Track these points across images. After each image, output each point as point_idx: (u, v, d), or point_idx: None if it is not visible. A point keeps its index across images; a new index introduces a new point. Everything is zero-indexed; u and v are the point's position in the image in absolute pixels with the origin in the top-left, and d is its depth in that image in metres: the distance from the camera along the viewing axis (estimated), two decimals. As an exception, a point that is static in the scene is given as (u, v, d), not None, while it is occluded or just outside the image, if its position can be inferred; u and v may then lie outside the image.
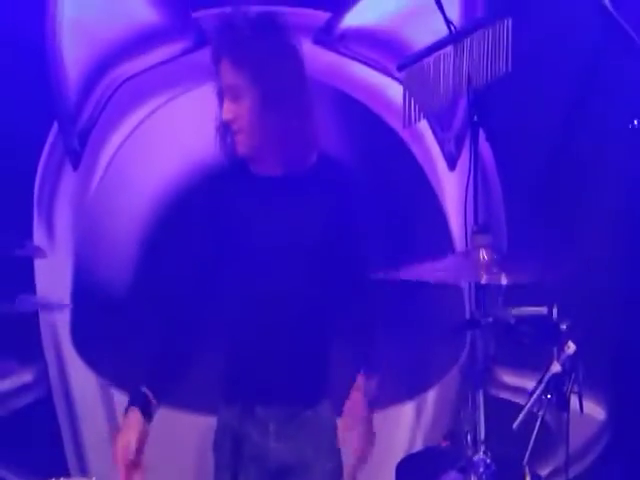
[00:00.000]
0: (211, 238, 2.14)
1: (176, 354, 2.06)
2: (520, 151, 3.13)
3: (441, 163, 3.24)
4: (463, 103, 2.15)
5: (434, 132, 3.22)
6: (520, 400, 2.93)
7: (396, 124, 3.09)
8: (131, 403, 2.02)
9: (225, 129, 2.10)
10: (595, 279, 2.97)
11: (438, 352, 3.05)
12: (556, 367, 1.95)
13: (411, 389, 3.19)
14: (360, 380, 2.05)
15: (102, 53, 3.18)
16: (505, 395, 3.10)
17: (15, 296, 3.10)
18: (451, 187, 3.22)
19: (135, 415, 1.97)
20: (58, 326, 3.22)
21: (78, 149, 3.22)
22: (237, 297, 2.08)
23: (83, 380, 3.21)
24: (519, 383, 3.07)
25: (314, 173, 2.08)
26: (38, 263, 3.17)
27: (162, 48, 3.16)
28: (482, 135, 2.88)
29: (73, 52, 3.18)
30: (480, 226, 1.89)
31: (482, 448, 1.83)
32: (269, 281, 2.04)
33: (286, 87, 2.03)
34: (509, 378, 3.18)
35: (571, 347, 1.97)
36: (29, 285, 3.15)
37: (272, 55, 2.02)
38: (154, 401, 1.99)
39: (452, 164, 3.24)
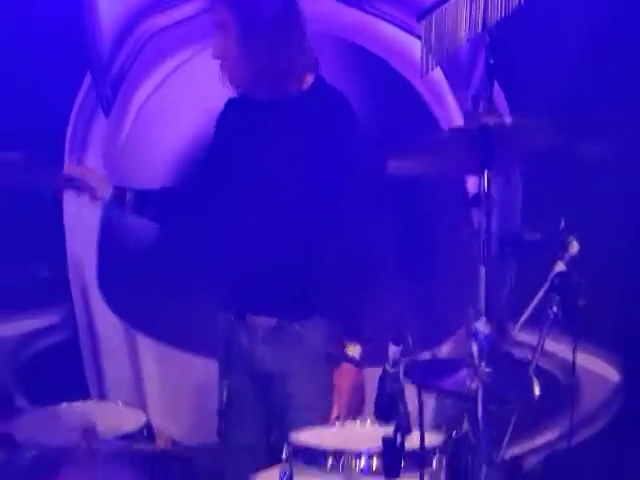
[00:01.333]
0: (220, 164, 2.29)
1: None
2: (535, 102, 3.10)
3: (460, 122, 3.29)
4: (481, 62, 2.22)
5: (453, 91, 3.26)
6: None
7: (418, 83, 3.17)
8: None
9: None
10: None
11: (450, 303, 3.09)
12: (560, 266, 1.97)
13: (423, 343, 3.25)
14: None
15: (133, 7, 3.31)
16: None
17: (43, 239, 3.35)
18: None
19: None
20: (85, 271, 3.38)
21: (110, 97, 3.37)
22: (238, 214, 2.22)
23: (108, 323, 3.35)
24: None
25: (309, 96, 2.18)
26: (67, 210, 3.34)
27: (189, 3, 3.29)
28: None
29: (107, 6, 3.33)
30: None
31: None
32: (266, 198, 2.18)
33: (268, 17, 2.14)
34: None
35: (575, 247, 1.97)
36: (58, 230, 3.34)
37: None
38: None
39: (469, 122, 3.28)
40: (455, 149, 1.90)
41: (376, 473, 1.60)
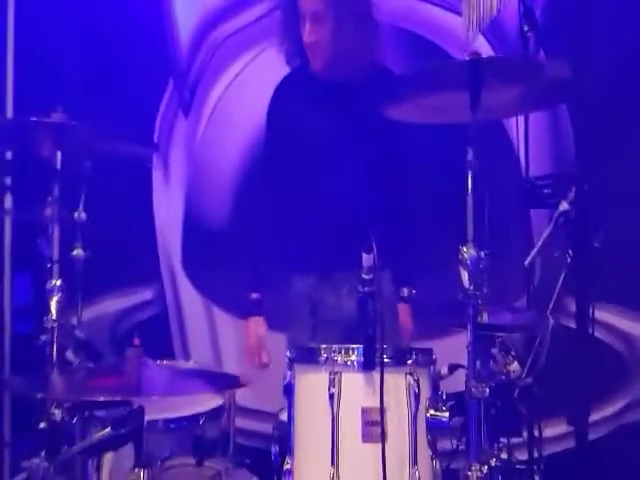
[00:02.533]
0: (291, 133, 2.61)
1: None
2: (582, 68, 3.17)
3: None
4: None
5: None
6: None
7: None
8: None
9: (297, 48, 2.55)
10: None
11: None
12: (564, 205, 2.18)
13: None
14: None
15: (206, 18, 3.77)
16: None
17: (134, 226, 3.80)
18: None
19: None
20: (172, 253, 3.82)
21: (189, 100, 3.81)
22: (311, 181, 2.57)
23: (191, 298, 3.77)
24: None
25: (373, 78, 2.53)
26: (156, 198, 3.79)
27: (253, 9, 3.69)
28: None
29: (184, 19, 3.79)
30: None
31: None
32: (340, 163, 2.50)
33: (356, 11, 2.49)
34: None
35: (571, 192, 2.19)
36: (148, 216, 3.79)
37: None
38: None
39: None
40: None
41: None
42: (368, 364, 1.80)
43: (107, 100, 3.67)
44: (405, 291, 2.63)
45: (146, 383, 1.93)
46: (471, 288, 1.95)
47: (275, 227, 2.73)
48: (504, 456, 2.08)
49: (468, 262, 1.94)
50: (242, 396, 2.46)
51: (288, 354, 1.96)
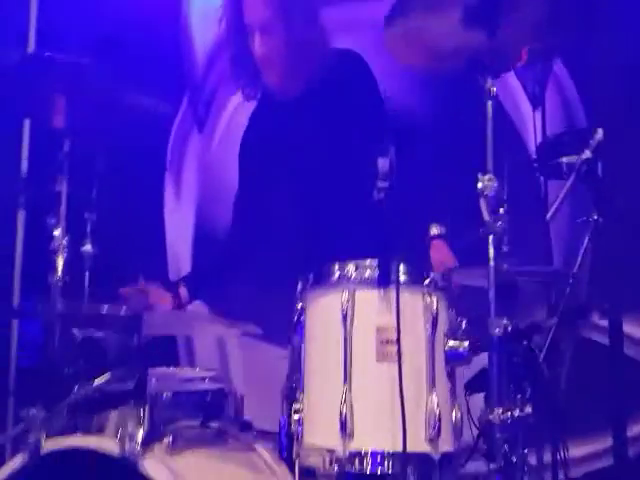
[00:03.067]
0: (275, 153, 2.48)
1: None
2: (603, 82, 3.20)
3: (525, 103, 3.47)
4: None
5: (517, 75, 3.46)
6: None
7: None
8: None
9: (246, 62, 2.43)
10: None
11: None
12: (586, 154, 2.12)
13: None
14: None
15: (222, 34, 3.82)
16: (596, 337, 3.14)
17: (146, 236, 3.76)
18: (535, 125, 3.44)
19: None
20: (181, 267, 3.75)
21: (203, 115, 3.83)
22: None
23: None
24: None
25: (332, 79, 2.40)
26: (168, 212, 3.75)
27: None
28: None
29: (200, 35, 3.86)
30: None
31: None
32: (321, 170, 2.37)
33: (305, 18, 2.39)
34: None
35: (599, 133, 2.12)
36: (159, 232, 3.74)
37: None
38: None
39: (536, 103, 3.45)
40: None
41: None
42: (384, 279, 1.71)
43: (122, 117, 3.72)
44: (434, 229, 2.45)
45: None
46: (491, 220, 1.88)
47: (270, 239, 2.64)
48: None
49: (487, 192, 1.88)
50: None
51: (299, 286, 1.87)
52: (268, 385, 3.34)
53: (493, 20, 2.04)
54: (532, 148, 3.44)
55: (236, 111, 3.81)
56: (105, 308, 1.99)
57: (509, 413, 1.84)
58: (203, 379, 2.24)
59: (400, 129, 1.83)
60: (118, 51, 3.84)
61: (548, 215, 2.25)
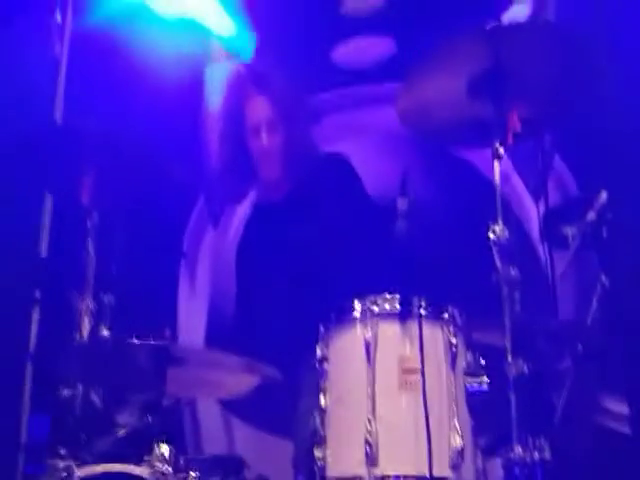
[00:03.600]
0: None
1: None
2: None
3: (526, 196, 3.63)
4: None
5: (519, 172, 3.65)
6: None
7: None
8: None
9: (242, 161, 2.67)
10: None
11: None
12: (591, 216, 2.26)
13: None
14: None
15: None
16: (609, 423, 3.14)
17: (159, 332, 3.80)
18: (536, 217, 3.57)
19: None
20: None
21: (218, 212, 3.98)
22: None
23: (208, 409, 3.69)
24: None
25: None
26: (181, 305, 3.83)
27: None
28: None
29: (218, 139, 4.07)
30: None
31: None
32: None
33: (303, 121, 2.64)
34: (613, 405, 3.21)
35: (603, 195, 2.26)
36: (173, 321, 3.80)
37: (294, 96, 2.66)
38: None
39: (537, 196, 3.59)
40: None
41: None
42: (405, 312, 1.78)
43: (142, 211, 3.88)
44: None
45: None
46: (504, 268, 1.97)
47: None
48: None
49: (499, 240, 1.97)
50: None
51: (322, 329, 1.93)
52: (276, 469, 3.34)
53: (497, 90, 2.24)
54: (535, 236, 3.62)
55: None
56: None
57: (529, 454, 1.87)
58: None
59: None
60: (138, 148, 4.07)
61: (558, 275, 2.33)
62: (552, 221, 2.60)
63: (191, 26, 3.90)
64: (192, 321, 3.95)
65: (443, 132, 2.33)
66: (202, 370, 1.96)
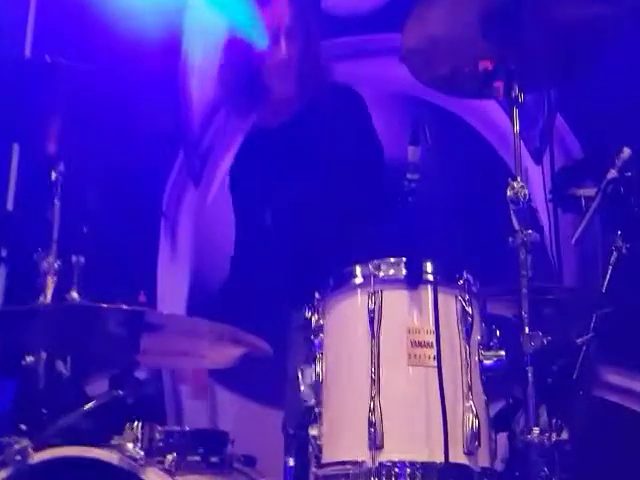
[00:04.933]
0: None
1: None
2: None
3: (527, 159, 3.44)
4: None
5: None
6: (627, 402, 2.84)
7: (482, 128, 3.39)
8: None
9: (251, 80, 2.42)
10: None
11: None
12: (612, 173, 2.02)
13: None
14: None
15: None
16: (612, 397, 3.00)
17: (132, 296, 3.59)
18: (537, 180, 3.40)
19: None
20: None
21: (199, 170, 3.76)
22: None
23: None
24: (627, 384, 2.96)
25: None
26: (162, 263, 3.61)
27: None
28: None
29: (198, 92, 3.82)
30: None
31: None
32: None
33: (319, 35, 2.45)
34: (615, 379, 3.07)
35: (626, 152, 2.03)
36: (152, 286, 3.58)
37: (312, 5, 2.50)
38: None
39: (537, 159, 3.43)
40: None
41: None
42: (413, 279, 1.57)
43: (117, 167, 3.64)
44: None
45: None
46: (522, 229, 1.77)
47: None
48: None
49: (517, 198, 1.77)
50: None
51: (317, 295, 1.73)
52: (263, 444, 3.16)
53: (517, 26, 2.02)
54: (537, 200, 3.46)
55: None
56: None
57: (547, 435, 1.70)
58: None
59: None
60: (115, 104, 3.83)
61: (573, 240, 2.14)
62: (565, 181, 2.41)
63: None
64: (173, 286, 3.71)
65: (449, 76, 2.12)
66: (182, 339, 1.76)
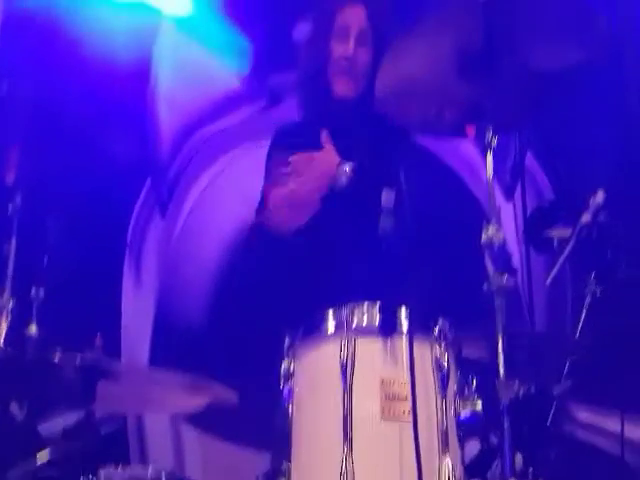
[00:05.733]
0: None
1: None
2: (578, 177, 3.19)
3: (498, 195, 3.42)
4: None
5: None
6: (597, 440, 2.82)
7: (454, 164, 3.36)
8: None
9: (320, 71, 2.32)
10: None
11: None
12: (586, 217, 2.01)
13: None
14: None
15: (190, 118, 3.73)
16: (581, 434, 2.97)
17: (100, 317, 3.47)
18: (508, 217, 3.37)
19: None
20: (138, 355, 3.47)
21: (166, 200, 3.67)
22: None
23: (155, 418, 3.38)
24: (596, 422, 2.93)
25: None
26: (125, 295, 3.51)
27: (239, 110, 3.68)
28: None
29: (167, 118, 3.75)
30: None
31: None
32: None
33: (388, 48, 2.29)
34: (585, 415, 3.05)
35: (599, 195, 2.03)
36: (116, 319, 3.48)
37: (389, 19, 2.37)
38: None
39: (509, 195, 3.41)
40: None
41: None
42: (388, 328, 1.51)
43: (82, 196, 3.54)
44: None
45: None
46: (497, 275, 1.72)
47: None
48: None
49: (492, 242, 1.73)
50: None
51: (286, 340, 1.65)
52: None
53: (492, 68, 2.00)
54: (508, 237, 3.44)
55: (201, 197, 3.71)
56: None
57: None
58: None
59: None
60: (80, 131, 3.73)
61: (548, 281, 2.11)
62: (538, 223, 2.38)
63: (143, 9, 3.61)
64: (136, 321, 3.60)
65: (422, 117, 2.08)
66: (142, 387, 1.67)
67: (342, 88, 2.31)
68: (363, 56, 2.32)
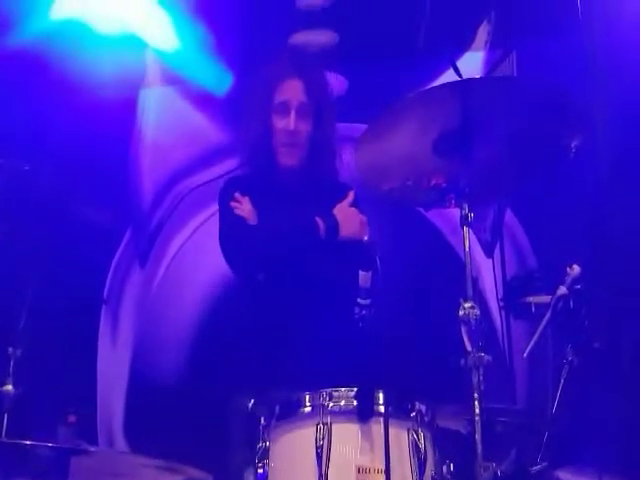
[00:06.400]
0: None
1: None
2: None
3: (478, 251, 3.43)
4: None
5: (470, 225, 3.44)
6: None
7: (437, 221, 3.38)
8: None
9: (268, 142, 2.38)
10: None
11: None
12: (562, 290, 2.02)
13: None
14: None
15: (174, 169, 3.73)
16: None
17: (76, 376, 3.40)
18: (488, 273, 3.38)
19: None
20: (112, 412, 3.42)
21: (147, 249, 3.64)
22: None
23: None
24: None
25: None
26: (102, 352, 3.46)
27: (223, 163, 3.68)
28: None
29: (150, 170, 3.74)
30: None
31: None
32: None
33: (332, 116, 2.43)
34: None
35: (575, 269, 2.04)
36: (92, 370, 3.43)
37: (328, 89, 2.45)
38: None
39: (488, 252, 3.42)
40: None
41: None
42: (364, 412, 1.49)
43: (60, 247, 3.51)
44: None
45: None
46: (474, 350, 1.72)
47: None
48: None
49: (470, 319, 1.72)
50: None
51: (262, 421, 1.63)
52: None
53: (468, 148, 2.01)
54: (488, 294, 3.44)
55: (182, 248, 3.69)
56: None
57: None
58: None
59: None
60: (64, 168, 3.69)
61: (525, 353, 2.11)
62: (517, 289, 2.39)
63: (130, 43, 3.62)
64: (112, 375, 3.56)
65: (401, 189, 2.09)
66: (116, 465, 1.64)
67: (286, 159, 2.37)
68: (304, 127, 2.37)
